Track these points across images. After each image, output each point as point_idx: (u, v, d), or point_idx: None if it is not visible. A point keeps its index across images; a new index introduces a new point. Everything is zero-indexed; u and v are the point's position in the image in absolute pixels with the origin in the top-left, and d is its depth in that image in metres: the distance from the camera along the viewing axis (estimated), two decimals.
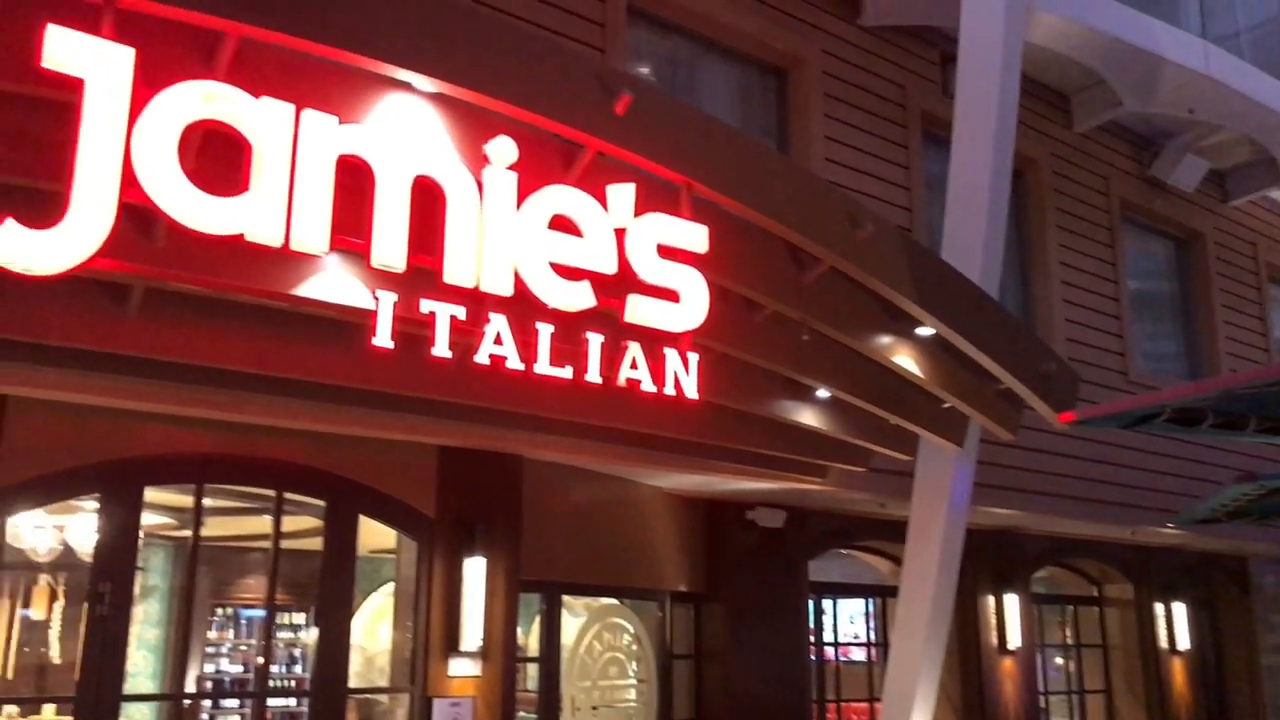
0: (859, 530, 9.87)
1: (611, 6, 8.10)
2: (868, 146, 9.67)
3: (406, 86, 4.14)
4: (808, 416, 6.60)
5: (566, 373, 4.39)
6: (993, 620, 10.82)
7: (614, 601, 8.54)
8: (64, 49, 3.30)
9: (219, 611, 11.86)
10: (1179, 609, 12.76)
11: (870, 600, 11.02)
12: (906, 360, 6.21)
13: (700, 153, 4.90)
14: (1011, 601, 10.85)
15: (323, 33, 3.77)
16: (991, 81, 7.97)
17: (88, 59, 3.34)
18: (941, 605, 7.64)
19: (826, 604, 10.45)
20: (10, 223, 3.22)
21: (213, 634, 11.68)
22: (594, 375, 4.46)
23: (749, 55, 9.31)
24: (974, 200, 7.82)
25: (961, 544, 7.74)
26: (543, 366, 4.30)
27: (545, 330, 4.33)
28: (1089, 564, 12.50)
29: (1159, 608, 12.63)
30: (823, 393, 6.49)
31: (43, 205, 3.35)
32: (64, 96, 3.37)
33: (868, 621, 11.07)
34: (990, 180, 7.78)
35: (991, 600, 10.84)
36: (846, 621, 11.34)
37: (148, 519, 7.74)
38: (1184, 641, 12.70)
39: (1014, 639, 10.84)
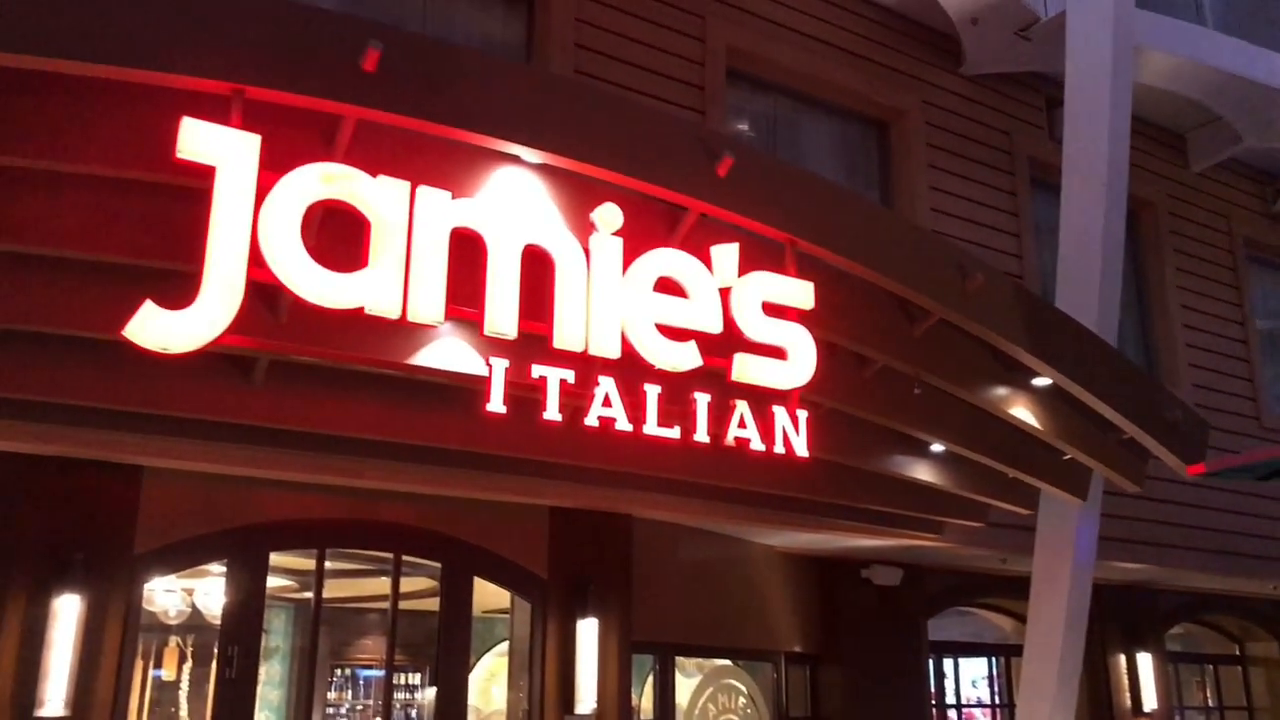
0: (979, 587, 9.59)
1: (710, 70, 8.21)
2: (974, 195, 9.55)
3: (515, 159, 4.27)
4: (922, 471, 6.47)
5: (674, 433, 4.42)
6: (1125, 680, 10.34)
7: (728, 662, 8.43)
8: (197, 139, 3.51)
9: (338, 672, 12.08)
10: None
11: (994, 660, 10.64)
12: (1023, 411, 6.06)
13: (802, 209, 4.92)
14: (1145, 660, 10.36)
15: (435, 112, 3.93)
16: (1100, 124, 7.82)
17: (219, 147, 3.54)
18: (1069, 665, 7.34)
19: (947, 664, 10.13)
20: (149, 304, 3.41)
21: (332, 694, 11.89)
22: (702, 435, 4.47)
23: (849, 109, 9.32)
24: (1087, 246, 7.65)
25: (1089, 600, 7.46)
26: (651, 427, 4.33)
27: (653, 391, 4.37)
28: (1229, 620, 11.88)
29: None
30: (937, 447, 6.37)
31: (176, 286, 3.54)
32: (196, 183, 3.58)
33: (992, 682, 10.68)
34: (1103, 224, 7.60)
35: (1123, 659, 10.38)
36: (969, 683, 10.96)
37: (272, 581, 7.98)
38: None
39: (1149, 700, 10.33)
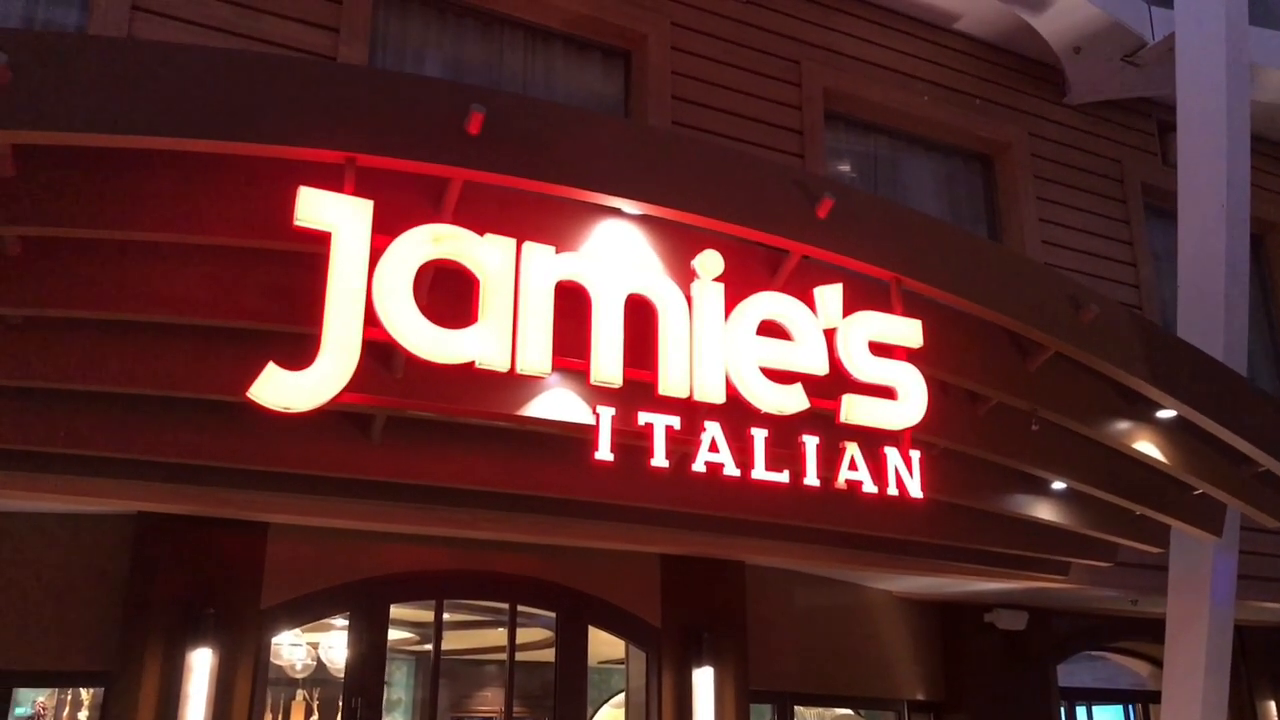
0: (1111, 630, 9.20)
1: (808, 114, 8.23)
2: (1086, 226, 9.31)
3: (616, 212, 4.35)
4: (1044, 510, 6.28)
5: (784, 477, 4.38)
6: None
7: (848, 712, 8.25)
8: (313, 206, 3.68)
9: None
10: None
11: (1129, 707, 10.16)
12: (1148, 446, 5.84)
13: (906, 247, 4.88)
14: None
15: (537, 171, 4.04)
16: (1217, 146, 7.56)
17: (334, 213, 3.70)
18: (1212, 712, 6.97)
19: (1080, 711, 9.71)
20: (271, 366, 3.55)
21: None
22: (812, 478, 4.42)
23: (951, 145, 9.22)
24: (1209, 272, 7.37)
25: (1230, 643, 7.09)
26: (759, 472, 4.30)
27: (760, 435, 4.35)
28: None
29: None
30: (1058, 484, 6.17)
31: (297, 347, 3.69)
32: (313, 249, 3.73)
33: None
34: (1225, 249, 7.32)
35: (1273, 706, 9.79)
36: None
37: (393, 634, 8.13)
38: None
39: None
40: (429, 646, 6.72)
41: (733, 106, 7.89)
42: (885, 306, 4.77)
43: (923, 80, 8.91)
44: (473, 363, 3.83)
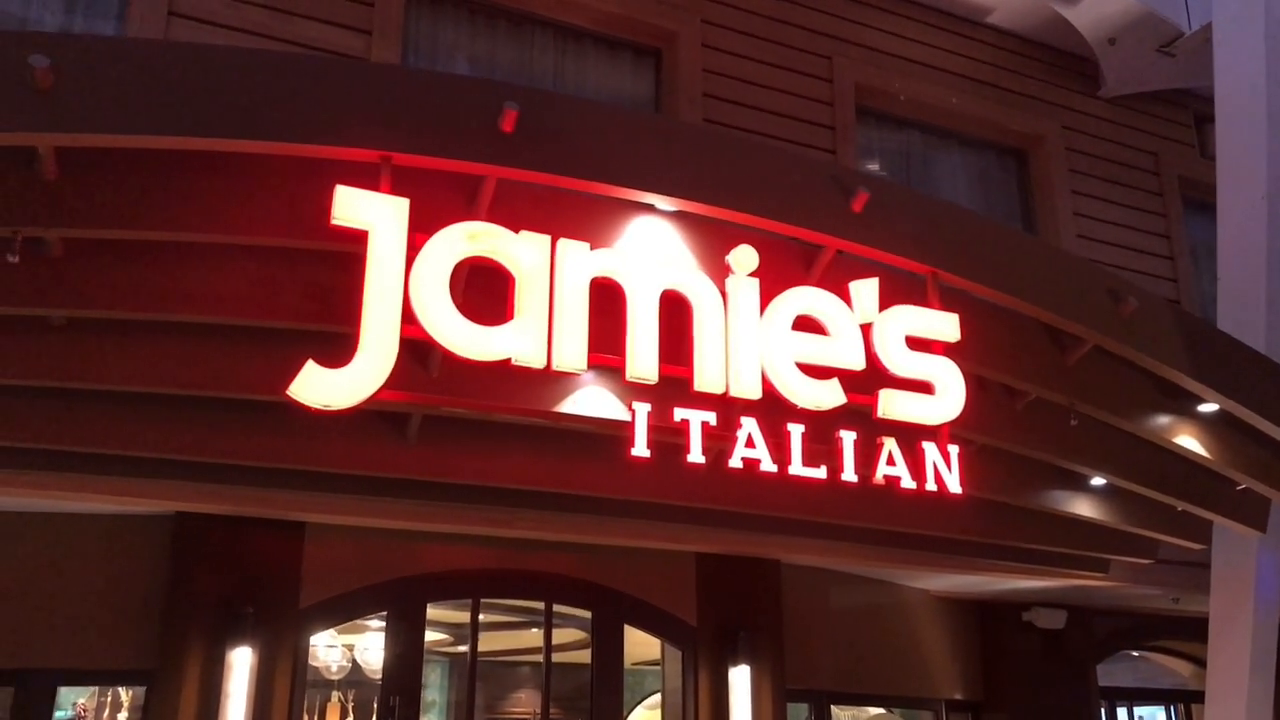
0: (1151, 629, 9.08)
1: (840, 109, 8.19)
2: (1123, 219, 9.21)
3: (650, 208, 4.35)
4: (1083, 507, 6.20)
5: (821, 473, 4.35)
6: None
7: (884, 711, 8.19)
8: (350, 205, 3.69)
9: None
10: None
11: (1171, 708, 10.04)
12: (1189, 440, 5.76)
13: (941, 240, 4.84)
14: None
15: (571, 168, 4.04)
16: (1257, 136, 7.46)
17: (371, 212, 3.71)
18: (1259, 711, 6.86)
19: (1120, 711, 9.60)
20: (310, 364, 3.57)
21: None
22: (850, 474, 4.39)
23: (985, 140, 9.14)
24: (1250, 264, 7.27)
25: (1275, 641, 6.97)
26: (796, 468, 4.28)
27: (797, 431, 4.33)
28: None
29: None
30: (1098, 480, 6.10)
31: (335, 346, 3.71)
32: (350, 248, 3.75)
33: None
34: (1266, 240, 7.21)
35: None
36: None
37: (428, 635, 8.16)
38: None
39: None
40: (464, 648, 6.74)
41: (764, 103, 7.86)
42: (922, 300, 4.73)
43: (955, 74, 8.85)
44: (509, 360, 3.83)
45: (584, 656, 6.87)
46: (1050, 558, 6.93)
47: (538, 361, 3.87)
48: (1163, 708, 10.11)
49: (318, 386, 3.56)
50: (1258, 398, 5.71)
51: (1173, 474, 6.08)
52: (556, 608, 6.82)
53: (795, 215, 4.49)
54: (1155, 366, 5.36)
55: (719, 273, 4.38)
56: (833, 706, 7.68)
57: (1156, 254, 9.30)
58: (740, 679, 6.69)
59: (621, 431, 4.18)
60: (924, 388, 4.58)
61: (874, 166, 8.64)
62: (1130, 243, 9.16)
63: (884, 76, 8.53)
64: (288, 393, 3.54)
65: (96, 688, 6.84)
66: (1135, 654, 9.79)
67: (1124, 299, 5.20)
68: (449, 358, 3.84)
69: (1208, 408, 5.69)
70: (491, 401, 4.29)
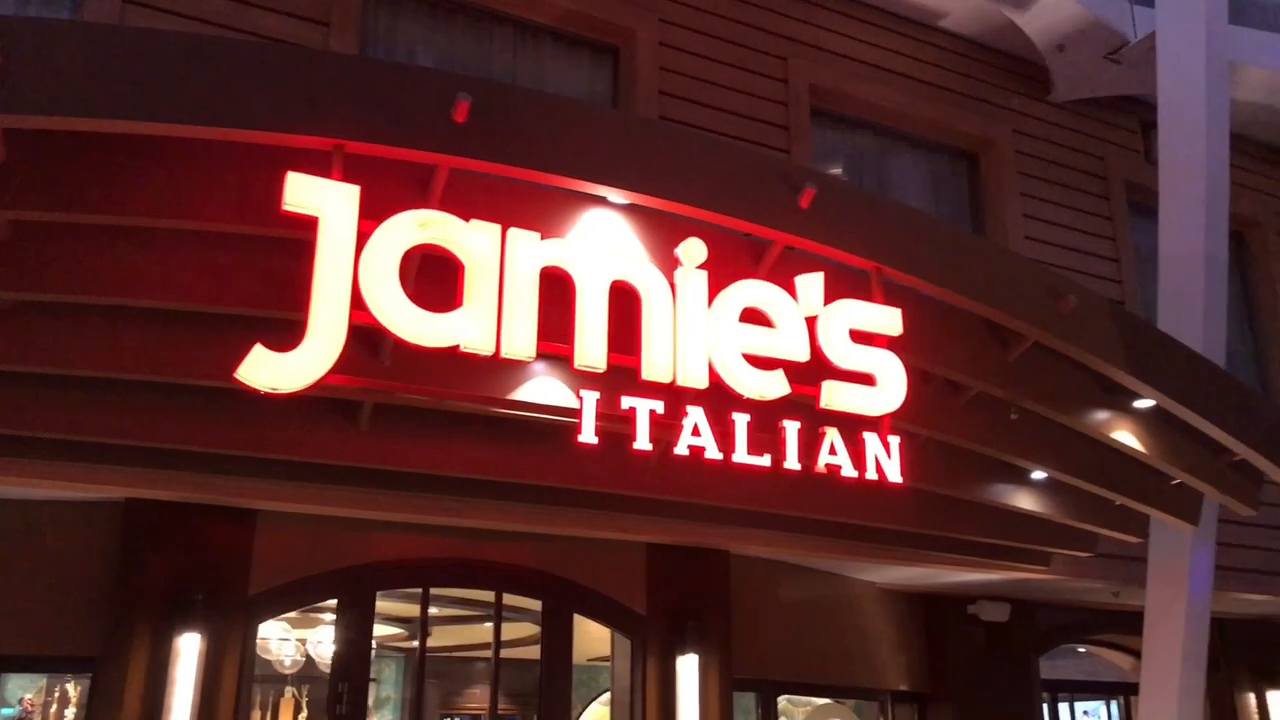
0: (1093, 623, 9.28)
1: (794, 110, 8.31)
2: (1070, 222, 9.41)
3: (601, 200, 4.41)
4: (1024, 500, 6.36)
5: (765, 461, 4.44)
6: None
7: (832, 701, 8.32)
8: (301, 191, 3.73)
9: None
10: None
11: (1112, 700, 10.26)
12: (1127, 436, 5.92)
13: (886, 237, 4.95)
14: (1276, 698, 9.87)
15: (523, 158, 4.10)
16: (1197, 144, 7.67)
17: (322, 198, 3.75)
18: (1189, 703, 7.06)
19: (1063, 705, 9.81)
20: (259, 348, 3.61)
21: None
22: (793, 462, 4.49)
23: (937, 142, 9.31)
24: (1189, 267, 7.47)
25: (1207, 634, 7.18)
26: (741, 456, 4.37)
27: (742, 420, 4.41)
28: None
29: None
30: (1038, 474, 6.25)
31: (285, 332, 3.74)
32: (301, 234, 3.79)
33: None
34: (1204, 245, 7.42)
35: (1253, 698, 9.90)
36: None
37: (381, 630, 8.18)
38: None
39: None
40: (418, 643, 6.77)
41: (720, 102, 7.96)
42: (866, 295, 4.83)
43: (909, 77, 9.01)
44: (458, 346, 3.88)
45: (539, 652, 6.93)
46: (993, 550, 7.09)
47: (487, 348, 3.92)
48: (1103, 701, 10.32)
49: (265, 370, 3.59)
50: (1192, 395, 5.87)
51: (1110, 468, 6.25)
52: (511, 601, 6.88)
53: (744, 210, 4.58)
54: (1093, 363, 5.51)
55: (669, 265, 4.46)
56: (782, 698, 7.81)
57: (1103, 256, 9.51)
58: (688, 668, 6.78)
59: (573, 422, 4.25)
60: (866, 380, 4.68)
61: (835, 169, 8.77)
62: (1077, 245, 9.36)
63: (839, 78, 8.66)
64: (235, 375, 3.57)
65: (44, 683, 6.81)
66: (1081, 650, 10.00)
67: (1063, 297, 5.34)
68: (400, 345, 3.89)
69: (1144, 404, 5.85)
70: (442, 389, 4.34)
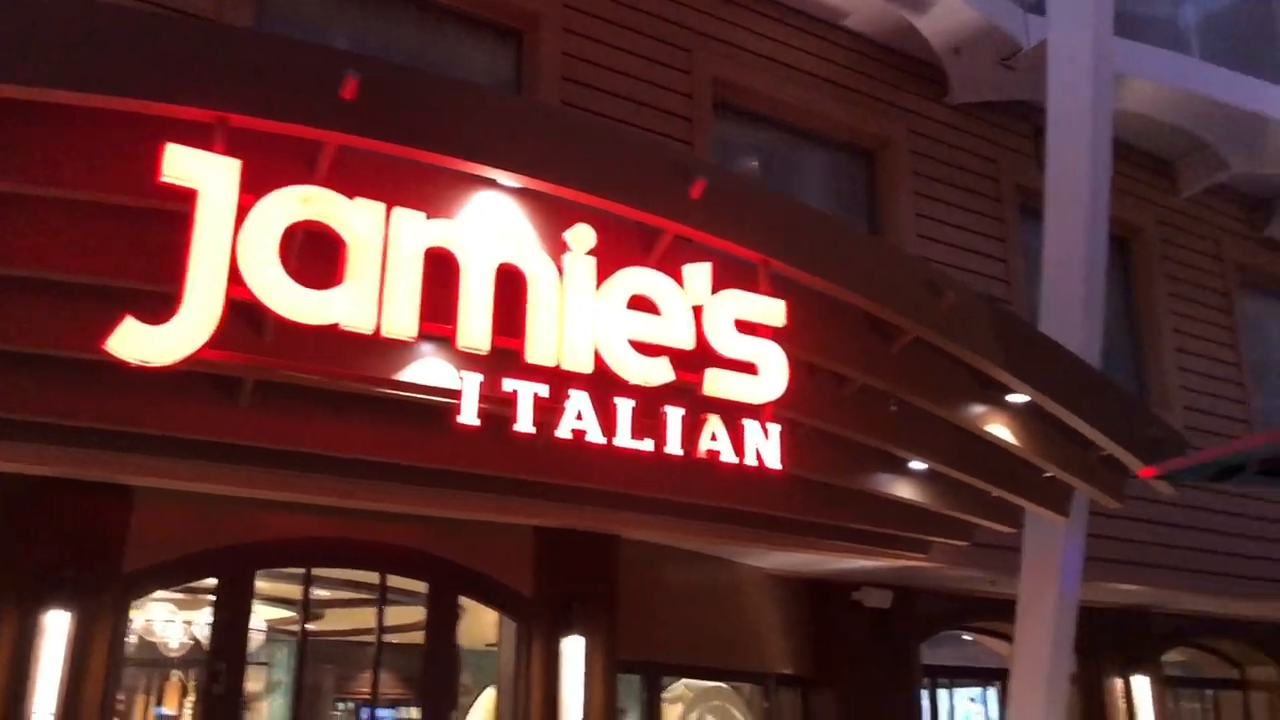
0: (972, 610, 9.60)
1: (698, 102, 8.39)
2: (962, 223, 9.68)
3: (491, 183, 4.42)
4: (904, 490, 6.55)
5: (647, 445, 4.51)
6: (1122, 705, 10.31)
7: (718, 685, 8.47)
8: (180, 164, 3.67)
9: (340, 706, 12.07)
10: None
11: (991, 685, 10.63)
12: (1002, 429, 6.15)
13: (774, 230, 5.06)
14: (1141, 684, 10.34)
15: (410, 138, 4.08)
16: (1082, 151, 7.94)
17: (201, 171, 3.70)
18: (1056, 687, 7.37)
19: (944, 690, 10.13)
20: (129, 319, 3.55)
21: None
22: (675, 447, 4.57)
23: (836, 139, 9.49)
24: (1070, 271, 7.74)
25: (1074, 621, 7.49)
26: (623, 440, 4.43)
27: (625, 405, 4.48)
28: (1228, 644, 11.84)
29: None
30: (918, 465, 6.45)
31: (159, 305, 3.68)
32: (178, 207, 3.72)
33: (987, 708, 10.67)
34: (1085, 249, 7.70)
35: (1119, 683, 10.35)
36: (968, 708, 10.94)
37: (274, 613, 8.06)
38: None
39: None
40: (311, 625, 6.70)
41: (623, 90, 8.00)
42: (753, 286, 4.94)
43: (811, 75, 9.16)
44: (337, 324, 3.87)
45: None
46: (874, 538, 7.28)
47: (366, 327, 3.91)
48: (983, 685, 10.67)
49: (136, 342, 3.54)
50: (1065, 392, 6.13)
51: (986, 461, 6.47)
52: (398, 582, 6.84)
53: (635, 198, 4.63)
54: (971, 358, 5.71)
55: (557, 250, 4.50)
56: (666, 678, 7.92)
57: (993, 256, 9.80)
58: (572, 650, 6.84)
59: (457, 403, 4.25)
60: (749, 369, 4.79)
61: (737, 162, 8.88)
62: (968, 245, 9.63)
63: (742, 72, 8.77)
64: (104, 346, 3.51)
65: None
66: (965, 637, 10.32)
67: (943, 293, 5.52)
68: (281, 323, 3.85)
69: (1018, 399, 6.08)
70: (322, 366, 4.31)
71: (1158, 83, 10.26)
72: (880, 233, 9.31)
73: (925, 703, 9.54)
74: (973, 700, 10.99)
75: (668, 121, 8.15)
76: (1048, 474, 6.73)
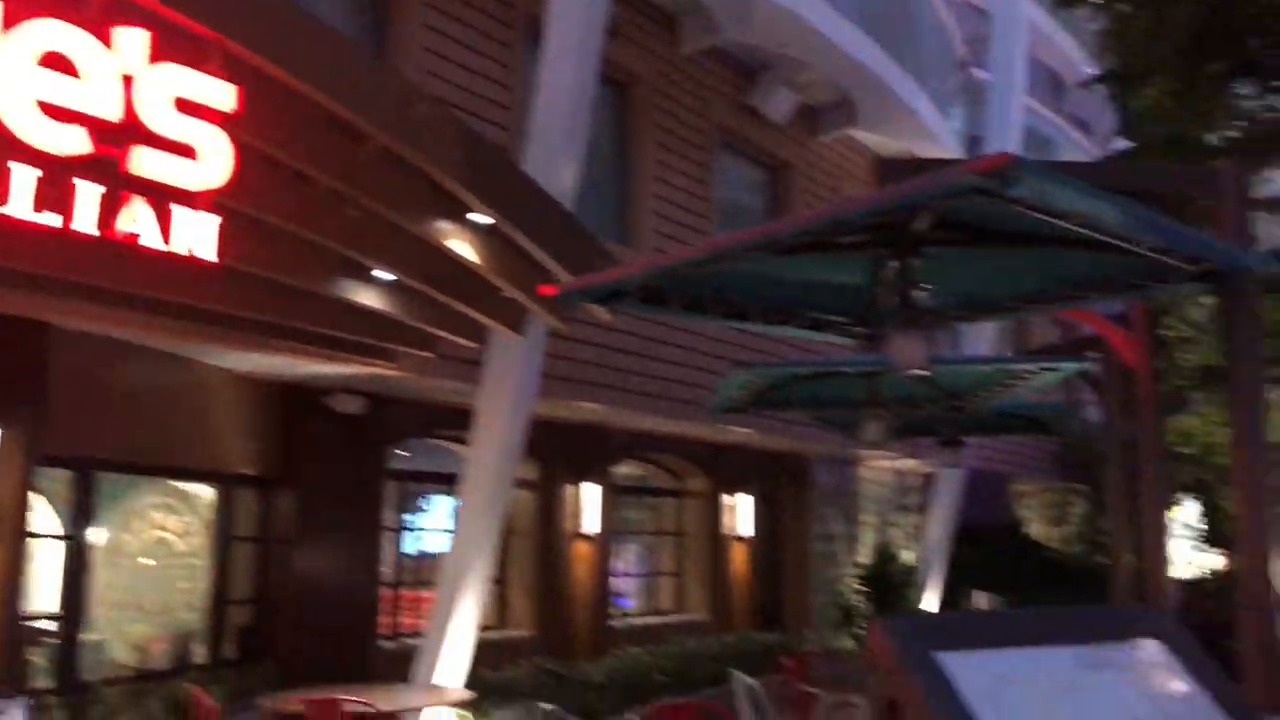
0: (441, 420, 10.06)
1: None
2: (472, 43, 9.66)
3: None
4: (367, 297, 6.64)
5: (53, 220, 4.16)
6: (572, 508, 11.48)
7: (168, 481, 8.23)
8: None
9: None
10: (745, 501, 14.17)
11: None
12: (462, 246, 6.40)
13: (230, 6, 4.74)
14: (590, 490, 11.56)
15: None
16: None
17: None
18: (500, 489, 8.04)
19: (419, 494, 10.66)
20: None
21: None
22: (87, 226, 4.25)
23: None
24: (557, 105, 8.09)
25: (524, 431, 8.15)
26: (21, 211, 4.04)
27: (28, 172, 4.06)
28: (670, 459, 13.56)
29: (726, 499, 13.96)
30: (382, 274, 6.55)
31: None
32: None
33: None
34: (573, 83, 8.08)
35: (570, 489, 11.48)
36: (441, 511, 11.62)
37: None
38: (747, 529, 14.15)
39: (592, 524, 11.56)
40: None
41: None
42: (205, 66, 4.63)
43: None
44: None
45: None
46: (339, 343, 7.34)
47: None
48: (449, 490, 11.33)
49: None
50: (524, 216, 6.48)
51: (450, 276, 6.73)
52: None
53: None
54: (435, 173, 5.83)
55: None
56: (117, 477, 7.55)
57: (498, 82, 9.92)
58: None
59: None
60: (186, 151, 4.54)
61: None
62: (476, 68, 9.67)
63: None
64: None
65: None
66: (444, 446, 10.81)
67: (412, 103, 5.55)
68: None
69: (479, 218, 6.34)
70: None
71: None
72: (385, 43, 9.07)
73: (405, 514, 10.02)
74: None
75: None
76: (505, 294, 7.14)
